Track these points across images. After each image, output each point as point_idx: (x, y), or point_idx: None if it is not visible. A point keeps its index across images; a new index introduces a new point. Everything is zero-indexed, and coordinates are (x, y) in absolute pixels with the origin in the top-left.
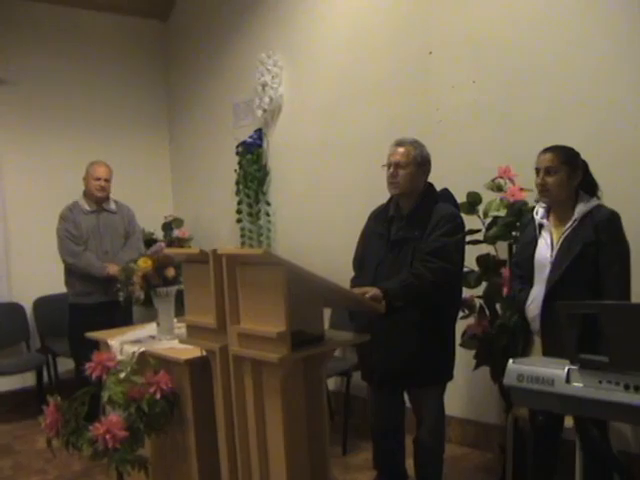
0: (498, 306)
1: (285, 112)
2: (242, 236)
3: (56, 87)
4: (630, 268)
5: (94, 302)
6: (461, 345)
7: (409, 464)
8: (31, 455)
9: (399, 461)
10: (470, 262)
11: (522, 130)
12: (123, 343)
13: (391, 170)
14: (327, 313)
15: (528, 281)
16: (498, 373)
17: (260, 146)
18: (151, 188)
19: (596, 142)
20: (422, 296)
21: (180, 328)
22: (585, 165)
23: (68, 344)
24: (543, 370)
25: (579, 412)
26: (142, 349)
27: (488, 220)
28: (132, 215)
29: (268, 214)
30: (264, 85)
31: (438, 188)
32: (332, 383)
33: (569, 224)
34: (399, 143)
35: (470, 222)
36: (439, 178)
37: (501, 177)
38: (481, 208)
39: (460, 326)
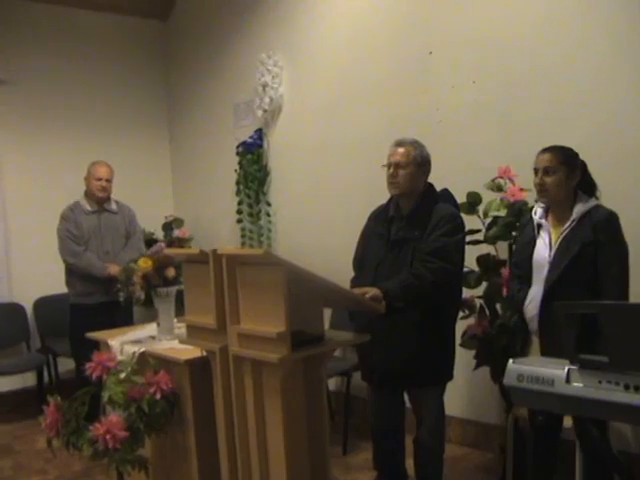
0: (498, 306)
1: (285, 112)
2: (242, 236)
3: (56, 87)
4: (629, 269)
5: (95, 302)
6: (461, 345)
7: (409, 464)
8: (31, 455)
9: (399, 461)
10: (470, 262)
11: (522, 130)
12: (123, 343)
13: (391, 170)
14: (327, 313)
15: (526, 281)
16: (498, 373)
17: (260, 146)
18: (151, 188)
19: (596, 142)
20: (422, 296)
21: (180, 328)
22: (584, 165)
23: (69, 344)
24: (543, 370)
25: (579, 412)
26: (142, 349)
27: (488, 220)
28: (133, 215)
29: (268, 214)
30: (264, 85)
31: (438, 188)
32: (332, 383)
33: (567, 224)
34: (399, 143)
35: (470, 222)
36: (439, 178)
37: (501, 177)
38: (481, 208)
39: (460, 326)
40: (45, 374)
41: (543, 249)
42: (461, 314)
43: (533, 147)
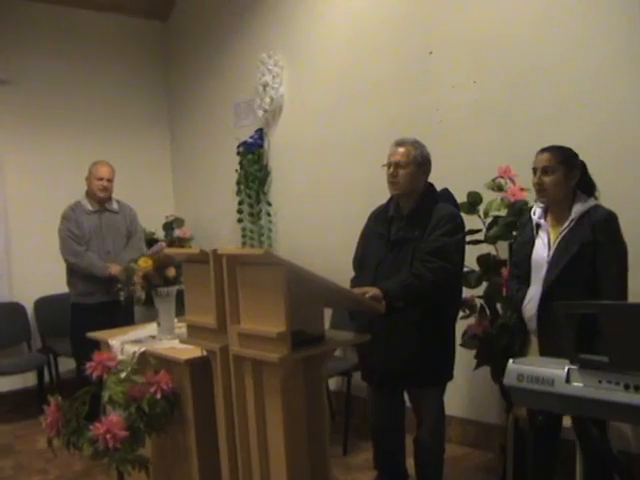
0: (499, 306)
1: (286, 112)
2: (243, 236)
3: (56, 87)
4: (627, 269)
5: (96, 302)
6: (461, 345)
7: (409, 464)
8: (32, 455)
9: (399, 461)
10: (470, 262)
11: (522, 130)
12: (124, 343)
13: (391, 170)
14: (327, 313)
15: (525, 281)
16: (498, 373)
17: (261, 146)
18: (152, 188)
19: (596, 142)
20: (422, 296)
21: (180, 328)
22: (583, 165)
23: (69, 344)
24: (543, 370)
25: (579, 412)
26: (143, 349)
27: (488, 220)
28: (134, 215)
29: (269, 214)
30: (265, 85)
31: (438, 188)
32: (333, 383)
33: (566, 224)
34: (399, 143)
35: (470, 222)
36: (439, 178)
37: (501, 177)
38: (481, 208)
39: (460, 326)
40: (46, 374)
41: (542, 249)
42: (461, 314)
43: (533, 147)
